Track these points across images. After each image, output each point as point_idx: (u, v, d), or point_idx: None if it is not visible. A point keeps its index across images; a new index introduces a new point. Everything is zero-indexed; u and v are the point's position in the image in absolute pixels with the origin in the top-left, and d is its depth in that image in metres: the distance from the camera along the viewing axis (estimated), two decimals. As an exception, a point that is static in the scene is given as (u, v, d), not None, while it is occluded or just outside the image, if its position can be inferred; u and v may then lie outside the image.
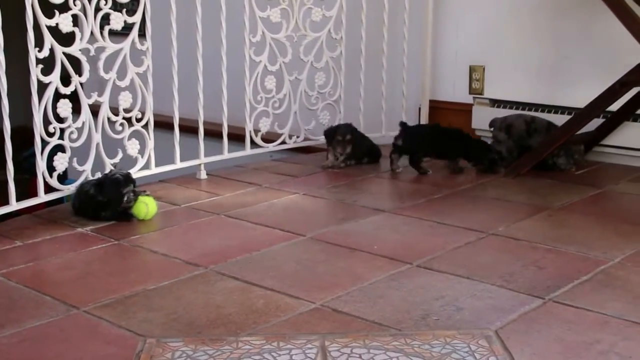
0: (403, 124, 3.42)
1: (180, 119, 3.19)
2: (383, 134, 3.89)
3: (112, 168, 2.91)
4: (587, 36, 3.50)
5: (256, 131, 3.49)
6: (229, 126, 3.38)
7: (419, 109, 4.04)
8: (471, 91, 3.94)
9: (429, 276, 2.18)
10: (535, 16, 3.68)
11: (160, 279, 2.17)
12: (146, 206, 2.71)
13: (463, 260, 2.30)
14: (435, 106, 4.05)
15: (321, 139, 3.64)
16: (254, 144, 3.50)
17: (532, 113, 3.59)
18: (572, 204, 2.90)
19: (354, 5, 3.68)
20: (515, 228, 2.60)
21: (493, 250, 2.39)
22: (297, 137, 3.66)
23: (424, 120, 4.02)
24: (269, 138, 3.55)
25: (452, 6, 3.95)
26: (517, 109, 3.71)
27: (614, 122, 3.40)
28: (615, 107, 3.27)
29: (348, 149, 3.43)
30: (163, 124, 3.26)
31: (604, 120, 3.42)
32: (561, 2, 3.57)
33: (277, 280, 2.16)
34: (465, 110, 3.93)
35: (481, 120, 3.77)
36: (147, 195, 2.75)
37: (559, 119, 3.40)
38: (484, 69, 3.88)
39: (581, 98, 3.18)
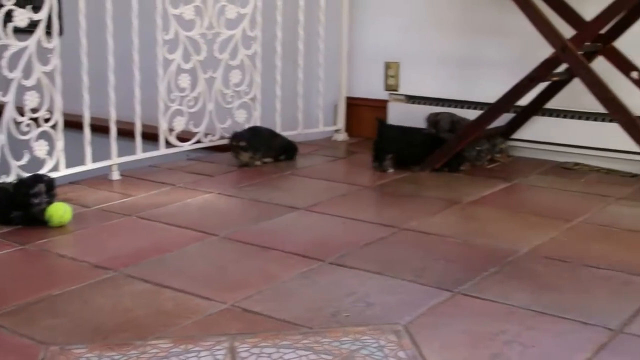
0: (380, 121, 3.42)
1: (92, 118, 3.12)
2: (300, 131, 3.89)
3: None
4: (498, 31, 3.58)
5: (171, 130, 3.44)
6: (143, 125, 3.32)
7: (336, 106, 4.06)
8: (387, 87, 3.98)
9: (341, 273, 2.19)
10: (449, 12, 3.74)
11: (67, 283, 2.11)
12: (59, 211, 2.62)
13: (375, 256, 2.31)
14: (352, 103, 4.07)
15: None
16: (168, 143, 3.45)
17: (449, 109, 3.63)
18: (483, 197, 2.95)
19: (269, 3, 3.66)
20: (427, 223, 2.63)
21: (405, 245, 2.42)
22: (213, 135, 3.62)
23: (341, 118, 4.04)
24: (184, 137, 3.50)
25: (367, 4, 3.98)
26: (431, 104, 3.77)
27: (523, 116, 3.48)
28: (524, 101, 3.35)
29: (243, 156, 3.42)
30: (74, 124, 3.18)
31: (514, 114, 3.49)
32: (472, -1, 3.64)
33: (188, 282, 2.13)
34: (381, 106, 3.96)
35: (397, 116, 3.82)
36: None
37: (473, 114, 3.46)
38: (398, 65, 3.93)
39: (494, 93, 3.24)
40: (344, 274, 2.17)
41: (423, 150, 3.32)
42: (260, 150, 3.48)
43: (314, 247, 2.38)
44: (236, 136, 3.48)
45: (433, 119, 3.49)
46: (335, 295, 2.03)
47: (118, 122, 3.22)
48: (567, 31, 3.05)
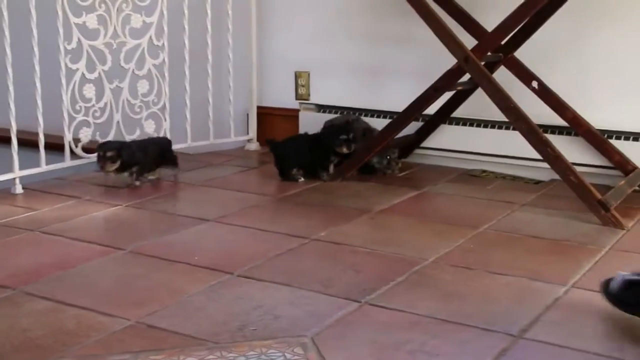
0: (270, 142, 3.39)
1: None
2: (211, 141, 3.85)
3: None
4: (406, 41, 3.63)
5: (76, 141, 3.35)
6: (49, 136, 3.23)
7: (247, 115, 4.04)
8: (297, 97, 3.98)
9: (248, 285, 2.17)
10: (358, 22, 3.78)
11: (-38, 304, 2.03)
12: None
13: (283, 268, 2.30)
14: (264, 112, 4.06)
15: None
16: (74, 154, 3.36)
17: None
18: (393, 205, 2.98)
19: (176, 11, 3.61)
20: (337, 232, 2.63)
21: (314, 256, 2.42)
22: (121, 146, 3.54)
23: (253, 127, 4.02)
24: (91, 148, 3.42)
25: (276, 13, 3.98)
26: (342, 113, 3.79)
27: (431, 125, 3.54)
28: (431, 110, 3.40)
29: (110, 166, 3.18)
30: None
31: (422, 123, 3.55)
32: (381, 8, 3.68)
33: (91, 298, 2.07)
34: (293, 115, 3.96)
35: (308, 125, 3.81)
36: None
37: (381, 123, 3.49)
38: (309, 74, 3.94)
39: (402, 102, 3.28)
40: (251, 287, 2.16)
41: (313, 154, 3.35)
42: (135, 163, 3.24)
43: (222, 259, 2.36)
44: (104, 145, 3.24)
45: (326, 123, 3.50)
46: (242, 308, 2.01)
47: (22, 133, 3.12)
48: (470, 42, 3.12)
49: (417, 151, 3.66)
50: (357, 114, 3.69)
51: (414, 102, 3.18)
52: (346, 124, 3.38)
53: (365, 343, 1.82)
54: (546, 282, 2.20)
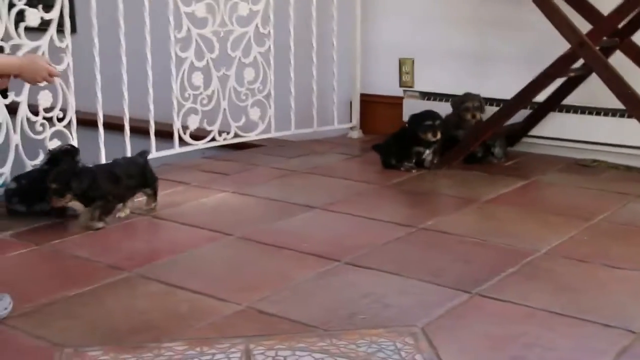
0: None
1: (105, 115, 3.11)
2: (315, 129, 3.87)
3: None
4: (514, 26, 3.53)
5: (185, 128, 3.42)
6: (157, 123, 3.31)
7: (351, 103, 4.03)
8: (401, 84, 3.94)
9: (357, 273, 2.16)
10: (463, 7, 3.70)
11: (82, 284, 2.10)
12: None
13: (392, 256, 2.29)
14: (367, 100, 4.04)
15: (251, 136, 3.62)
16: (182, 141, 3.42)
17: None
18: (501, 195, 2.92)
19: (282, -1, 3.64)
20: (444, 222, 2.60)
21: (422, 245, 2.39)
22: (228, 133, 3.60)
23: (356, 115, 4.01)
24: (198, 135, 3.48)
25: (379, 1, 3.94)
26: (446, 101, 3.73)
27: (540, 112, 3.44)
28: (541, 97, 3.31)
29: (58, 201, 2.49)
30: (86, 122, 3.16)
31: (531, 111, 3.45)
32: (487, -6, 3.60)
33: (202, 283, 2.11)
34: (396, 103, 3.93)
35: (412, 112, 3.77)
36: None
37: (488, 111, 3.42)
38: (413, 61, 3.89)
39: (509, 89, 3.21)
40: (360, 275, 2.15)
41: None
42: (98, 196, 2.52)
43: (330, 247, 2.36)
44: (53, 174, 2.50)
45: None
46: (351, 296, 2.01)
47: (132, 120, 3.21)
48: (584, 26, 3.01)
49: (525, 139, 3.56)
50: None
51: (523, 89, 3.10)
52: (431, 112, 3.33)
53: (477, 335, 1.78)
54: (667, 277, 2.10)
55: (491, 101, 3.59)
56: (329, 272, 2.17)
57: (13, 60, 1.90)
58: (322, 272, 2.17)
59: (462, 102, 3.41)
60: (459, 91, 3.70)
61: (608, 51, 3.12)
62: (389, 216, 2.65)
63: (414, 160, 3.27)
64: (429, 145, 3.26)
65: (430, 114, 3.30)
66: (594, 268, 2.17)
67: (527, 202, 2.84)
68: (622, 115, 3.24)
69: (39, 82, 1.97)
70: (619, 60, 3.09)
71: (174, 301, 2.00)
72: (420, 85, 3.89)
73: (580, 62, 3.02)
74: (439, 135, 3.24)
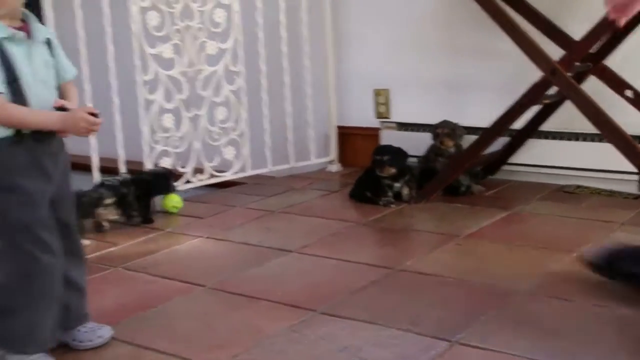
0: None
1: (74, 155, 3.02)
2: (292, 165, 3.79)
3: None
4: (488, 54, 3.48)
5: (157, 172, 3.34)
6: (130, 162, 3.24)
7: (327, 137, 3.95)
8: (377, 115, 3.88)
9: (332, 324, 2.07)
10: (436, 36, 3.65)
11: (44, 350, 1.99)
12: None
13: (368, 303, 2.20)
14: (345, 132, 3.98)
15: (226, 175, 3.55)
16: (155, 186, 3.34)
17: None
18: (482, 229, 2.84)
19: (251, 36, 3.57)
20: (423, 261, 2.51)
21: (399, 289, 2.30)
22: (202, 174, 3.51)
23: (334, 148, 3.94)
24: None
25: (351, 32, 3.89)
26: (425, 131, 3.66)
27: (518, 140, 3.38)
28: (518, 125, 3.24)
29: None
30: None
31: (509, 138, 3.39)
32: (460, 21, 3.54)
33: (171, 342, 2.01)
34: (374, 134, 3.86)
35: (390, 143, 3.70)
36: None
37: (466, 139, 3.36)
38: (388, 92, 3.83)
39: (485, 118, 3.14)
40: (335, 326, 2.06)
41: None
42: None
43: (304, 295, 2.27)
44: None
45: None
46: (326, 350, 1.92)
47: (103, 160, 3.16)
48: (556, 52, 2.95)
49: (506, 167, 3.50)
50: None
51: (499, 118, 3.03)
52: (385, 146, 3.25)
53: (457, 389, 1.70)
54: (656, 314, 2.02)
55: (470, 130, 3.52)
56: (304, 323, 2.08)
57: (52, 118, 1.82)
58: (297, 324, 2.08)
59: (435, 129, 3.35)
60: (436, 121, 3.64)
61: (581, 76, 3.07)
62: (366, 257, 2.57)
63: (389, 194, 3.19)
64: (395, 179, 3.18)
65: (381, 149, 3.24)
66: (581, 307, 2.08)
67: (510, 235, 2.76)
68: (601, 140, 3.17)
69: (84, 134, 1.89)
70: (594, 85, 3.03)
71: (140, 365, 1.91)
72: (397, 115, 3.83)
73: (554, 89, 2.96)
74: (389, 171, 3.16)
